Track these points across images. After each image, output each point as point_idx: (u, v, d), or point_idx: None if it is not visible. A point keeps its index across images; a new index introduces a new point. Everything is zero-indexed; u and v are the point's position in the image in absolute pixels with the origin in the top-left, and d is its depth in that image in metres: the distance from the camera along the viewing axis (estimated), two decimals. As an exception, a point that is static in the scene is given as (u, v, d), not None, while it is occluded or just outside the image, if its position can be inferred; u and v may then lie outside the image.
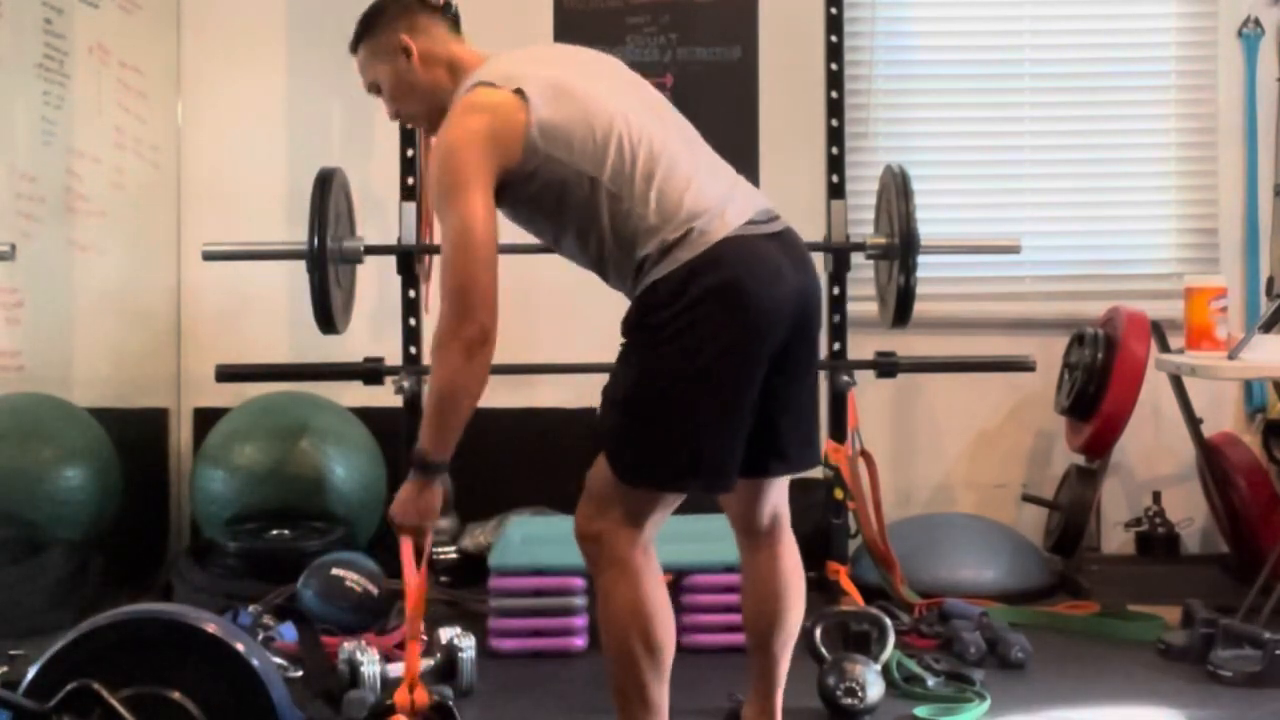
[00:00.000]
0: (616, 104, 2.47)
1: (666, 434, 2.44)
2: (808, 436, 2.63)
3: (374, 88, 2.68)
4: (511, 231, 3.91)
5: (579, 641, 3.55)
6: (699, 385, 2.41)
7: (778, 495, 2.69)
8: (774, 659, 2.71)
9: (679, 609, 3.50)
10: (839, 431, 4.09)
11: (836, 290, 4.18)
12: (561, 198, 2.45)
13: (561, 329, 4.51)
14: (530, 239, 2.67)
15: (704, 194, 2.47)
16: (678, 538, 3.44)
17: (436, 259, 4.17)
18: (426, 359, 4.17)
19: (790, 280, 2.50)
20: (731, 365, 2.42)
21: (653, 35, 4.69)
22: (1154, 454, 4.69)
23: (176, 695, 2.31)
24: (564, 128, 2.41)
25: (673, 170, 2.46)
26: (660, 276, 2.43)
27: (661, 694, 2.49)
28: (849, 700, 2.98)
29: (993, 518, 4.49)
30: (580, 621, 3.48)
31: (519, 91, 2.41)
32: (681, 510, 3.38)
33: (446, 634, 3.22)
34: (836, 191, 4.18)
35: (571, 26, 4.68)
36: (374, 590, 3.73)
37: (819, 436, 2.72)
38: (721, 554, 3.56)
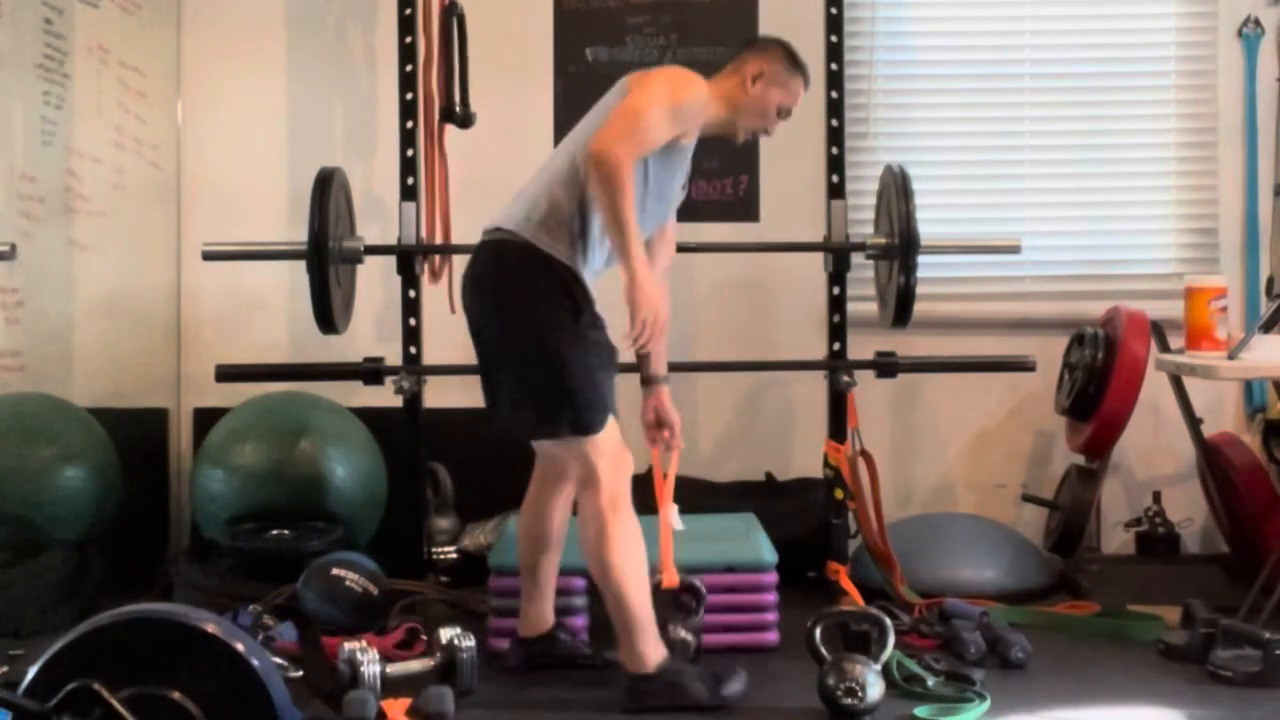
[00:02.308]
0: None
1: None
2: (495, 402, 3.20)
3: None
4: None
5: (579, 641, 3.55)
6: None
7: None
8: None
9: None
10: (839, 431, 4.09)
11: (836, 290, 4.17)
12: None
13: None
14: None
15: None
16: (678, 538, 3.43)
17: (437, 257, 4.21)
18: (427, 359, 4.17)
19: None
20: None
21: (653, 35, 4.69)
22: (1154, 454, 4.69)
23: (176, 695, 2.31)
24: None
25: None
26: None
27: (527, 586, 3.37)
28: (849, 700, 2.98)
29: (993, 518, 4.49)
30: (580, 621, 3.47)
31: None
32: (680, 510, 3.41)
33: (446, 634, 3.22)
34: (836, 191, 4.18)
35: (571, 26, 4.68)
36: (374, 590, 3.73)
37: (513, 408, 3.16)
38: (721, 554, 3.56)
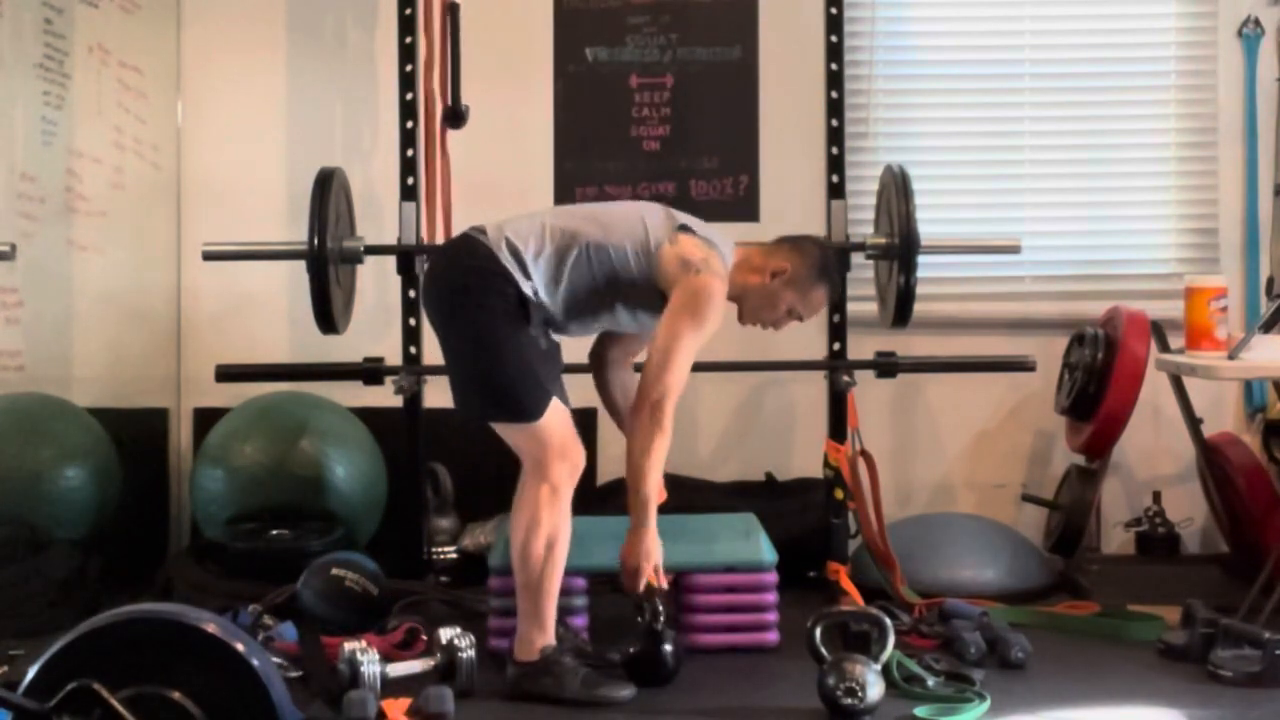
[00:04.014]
0: None
1: None
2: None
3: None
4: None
5: (579, 641, 3.55)
6: None
7: None
8: None
9: (679, 609, 3.50)
10: (839, 431, 4.09)
11: (836, 290, 4.18)
12: None
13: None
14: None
15: None
16: (677, 537, 3.44)
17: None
18: (426, 359, 4.17)
19: None
20: None
21: (653, 35, 4.69)
22: (1154, 454, 4.69)
23: (176, 695, 2.31)
24: None
25: None
26: None
27: None
28: (849, 700, 2.98)
29: (993, 518, 4.49)
30: (580, 621, 3.47)
31: None
32: (680, 510, 3.42)
33: (446, 634, 3.22)
34: (836, 191, 4.18)
35: (571, 26, 4.68)
36: (374, 590, 3.73)
37: (461, 393, 3.23)
38: (721, 554, 3.56)
